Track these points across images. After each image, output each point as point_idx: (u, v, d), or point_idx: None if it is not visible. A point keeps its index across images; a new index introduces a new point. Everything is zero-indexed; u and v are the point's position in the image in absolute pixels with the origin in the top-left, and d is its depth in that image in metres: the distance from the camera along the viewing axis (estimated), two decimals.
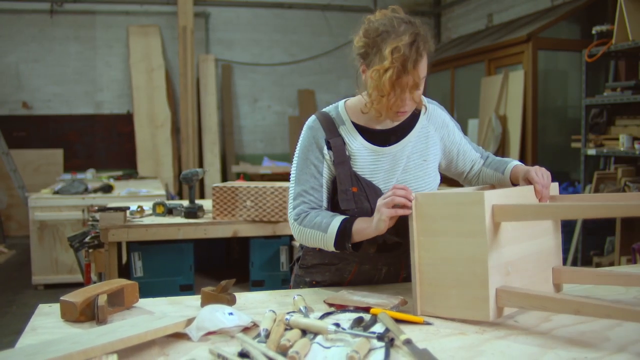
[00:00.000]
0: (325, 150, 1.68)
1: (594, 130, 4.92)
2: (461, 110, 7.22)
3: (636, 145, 4.38)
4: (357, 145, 1.68)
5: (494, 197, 1.42)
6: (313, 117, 1.74)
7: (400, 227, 1.59)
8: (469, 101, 6.96)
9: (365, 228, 1.56)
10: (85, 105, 8.55)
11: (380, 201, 1.50)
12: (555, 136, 6.00)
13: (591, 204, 1.38)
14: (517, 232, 1.49)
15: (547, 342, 1.30)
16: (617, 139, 4.60)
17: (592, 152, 4.77)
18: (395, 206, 1.47)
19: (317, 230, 1.62)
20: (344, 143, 1.68)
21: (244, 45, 8.98)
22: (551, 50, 5.93)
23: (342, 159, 1.66)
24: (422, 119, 1.76)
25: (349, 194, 1.65)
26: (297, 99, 9.14)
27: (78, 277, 5.25)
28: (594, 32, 4.89)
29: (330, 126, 1.69)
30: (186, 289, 3.22)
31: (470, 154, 1.87)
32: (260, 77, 9.04)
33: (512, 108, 5.94)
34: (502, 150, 6.00)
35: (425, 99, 1.77)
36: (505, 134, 5.99)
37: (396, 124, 1.71)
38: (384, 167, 1.69)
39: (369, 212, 1.61)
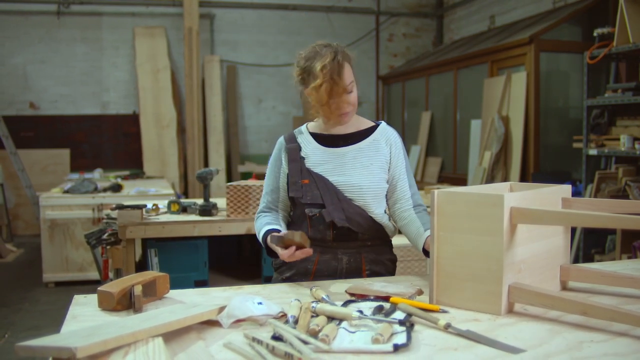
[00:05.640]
0: (282, 155, 2.09)
1: (595, 131, 5.00)
2: (464, 111, 7.31)
3: (637, 146, 4.47)
4: (311, 147, 2.07)
5: (512, 200, 1.50)
6: (281, 136, 2.16)
7: (352, 217, 1.95)
8: (472, 102, 7.05)
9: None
10: (91, 106, 8.65)
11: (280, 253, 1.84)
12: (557, 136, 6.09)
13: (607, 215, 1.42)
14: (531, 233, 1.58)
15: (555, 327, 1.40)
16: (618, 139, 4.68)
17: (593, 152, 4.86)
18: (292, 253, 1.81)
19: (257, 232, 2.06)
20: (300, 148, 2.07)
21: (249, 47, 9.07)
22: (553, 52, 6.01)
23: (294, 157, 2.05)
24: (376, 133, 2.08)
25: (298, 185, 2.01)
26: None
27: (88, 275, 5.36)
28: (595, 34, 4.99)
29: (291, 138, 2.12)
30: (201, 285, 3.31)
31: (403, 189, 2.05)
32: (265, 78, 9.13)
33: (515, 109, 6.03)
34: (504, 150, 6.09)
35: (384, 124, 2.12)
36: (507, 134, 6.08)
37: (349, 131, 2.06)
38: (332, 163, 2.02)
39: (319, 199, 1.97)
